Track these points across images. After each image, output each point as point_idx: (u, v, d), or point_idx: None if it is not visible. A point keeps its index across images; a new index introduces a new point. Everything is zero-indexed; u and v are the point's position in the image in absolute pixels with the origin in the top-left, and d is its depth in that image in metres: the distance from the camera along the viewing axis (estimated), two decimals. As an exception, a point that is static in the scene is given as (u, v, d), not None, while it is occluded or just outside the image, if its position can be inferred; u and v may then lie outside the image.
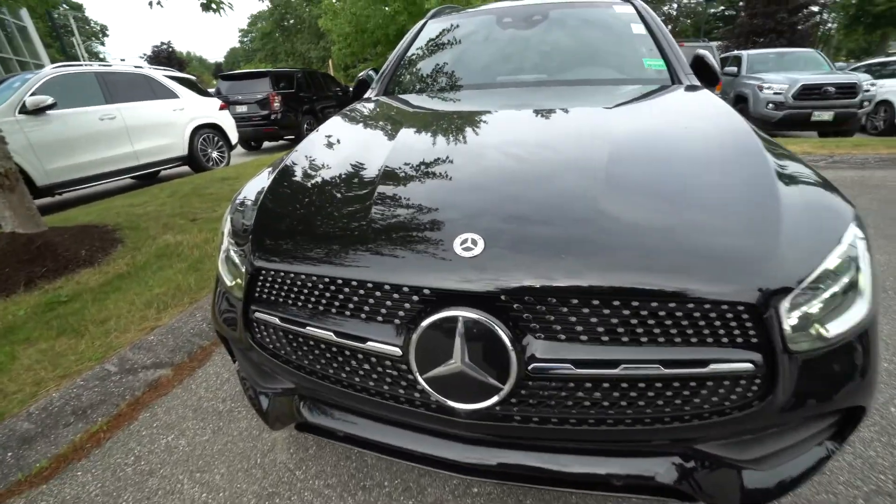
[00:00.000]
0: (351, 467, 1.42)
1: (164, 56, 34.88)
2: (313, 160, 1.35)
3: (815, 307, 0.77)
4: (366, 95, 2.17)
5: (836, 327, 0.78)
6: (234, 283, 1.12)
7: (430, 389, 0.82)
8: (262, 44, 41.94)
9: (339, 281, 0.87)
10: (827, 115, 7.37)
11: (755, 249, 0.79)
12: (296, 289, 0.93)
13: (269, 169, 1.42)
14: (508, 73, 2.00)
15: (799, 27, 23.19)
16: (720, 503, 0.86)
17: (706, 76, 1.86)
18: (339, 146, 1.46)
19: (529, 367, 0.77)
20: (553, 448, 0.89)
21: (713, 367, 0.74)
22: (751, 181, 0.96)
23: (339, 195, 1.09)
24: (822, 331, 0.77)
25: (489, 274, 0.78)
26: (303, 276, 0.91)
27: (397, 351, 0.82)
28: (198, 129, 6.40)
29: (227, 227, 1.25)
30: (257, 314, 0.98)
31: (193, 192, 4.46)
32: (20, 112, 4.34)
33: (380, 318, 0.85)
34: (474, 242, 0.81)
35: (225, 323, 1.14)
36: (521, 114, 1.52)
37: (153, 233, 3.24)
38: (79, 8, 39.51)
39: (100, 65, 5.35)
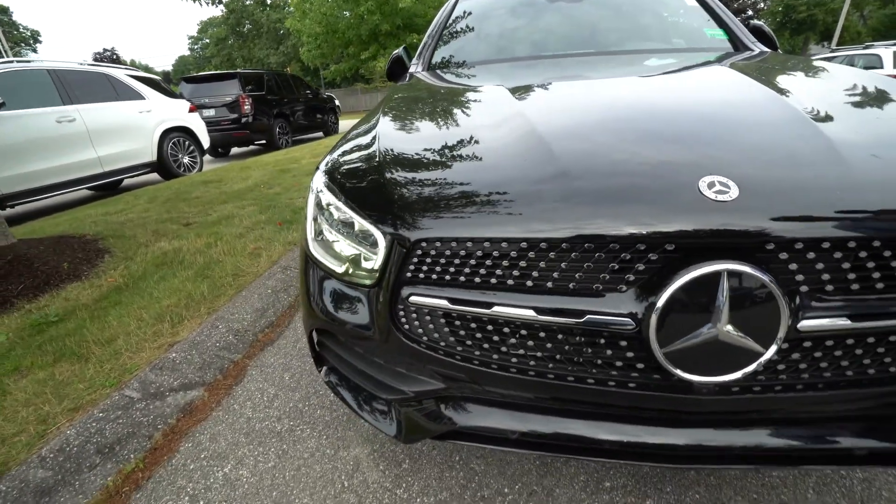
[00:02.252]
0: (459, 477, 1.23)
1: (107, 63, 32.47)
2: (420, 124, 1.16)
3: None
4: (411, 71, 1.98)
5: None
6: (344, 268, 0.91)
7: (669, 365, 0.66)
8: (216, 50, 39.93)
9: (543, 244, 0.69)
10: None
11: None
12: (474, 260, 0.73)
13: (346, 140, 1.21)
14: (574, 43, 1.88)
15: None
16: None
17: (766, 44, 1.82)
18: (436, 109, 1.26)
19: (799, 325, 0.64)
20: (777, 420, 0.76)
21: None
22: None
23: (490, 144, 0.91)
24: None
25: (755, 220, 0.64)
26: (486, 244, 0.71)
27: (629, 323, 0.66)
28: (167, 133, 5.88)
29: (312, 210, 1.03)
30: (414, 298, 0.78)
31: (177, 196, 4.04)
32: (-39, 115, 3.79)
33: (599, 286, 0.68)
34: (725, 185, 0.67)
35: (336, 318, 0.92)
36: (638, 73, 1.39)
37: (143, 240, 2.86)
38: (4, 11, 36.21)
39: (53, 62, 4.78)
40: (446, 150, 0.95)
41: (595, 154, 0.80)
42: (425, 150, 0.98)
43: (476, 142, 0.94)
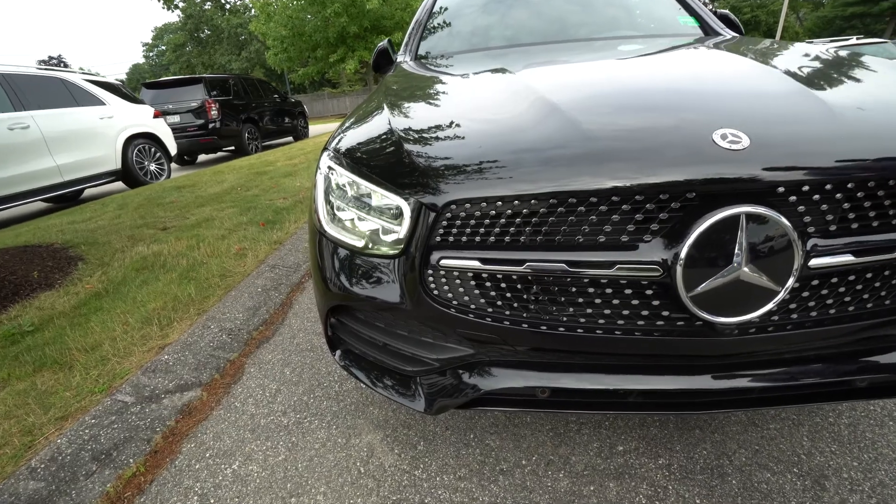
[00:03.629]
0: (476, 454, 1.24)
1: (53, 73, 30.63)
2: (426, 103, 1.17)
3: None
4: (398, 62, 1.99)
5: None
6: (363, 243, 0.91)
7: (695, 308, 0.70)
8: (174, 56, 38.39)
9: (572, 199, 0.71)
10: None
11: None
12: (504, 219, 0.75)
13: (350, 125, 1.20)
14: (554, 32, 1.93)
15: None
16: None
17: (734, 30, 1.93)
18: (438, 90, 1.29)
19: (810, 263, 0.69)
20: (788, 360, 0.82)
21: None
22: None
23: (504, 113, 0.93)
24: None
25: (764, 165, 0.68)
26: (515, 202, 0.73)
27: (656, 270, 0.69)
28: (131, 140, 5.61)
29: (322, 191, 1.03)
30: (444, 262, 0.79)
31: (149, 202, 3.86)
32: None
33: (624, 237, 0.71)
34: (737, 137, 0.71)
35: (357, 292, 0.92)
36: (634, 54, 1.45)
37: (119, 246, 2.72)
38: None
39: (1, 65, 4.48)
40: (460, 123, 0.96)
41: (614, 115, 0.84)
42: (440, 124, 0.99)
43: (489, 114, 0.97)
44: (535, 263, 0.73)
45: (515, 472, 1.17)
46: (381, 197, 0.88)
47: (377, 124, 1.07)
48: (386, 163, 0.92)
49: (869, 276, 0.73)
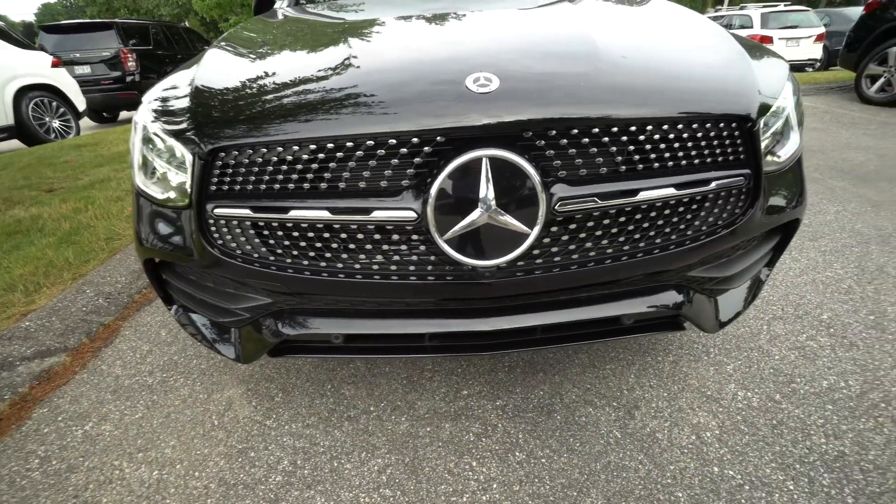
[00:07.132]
0: (328, 403, 1.30)
1: (-58, 11, 26.14)
2: (242, 53, 1.13)
3: (770, 134, 0.88)
4: (276, 6, 1.86)
5: (784, 153, 0.91)
6: (165, 195, 0.89)
7: (452, 251, 0.74)
8: (91, -4, 33.77)
9: (330, 145, 0.72)
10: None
11: (740, 77, 0.86)
12: (270, 167, 0.75)
13: (172, 73, 1.14)
14: None
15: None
16: (705, 324, 0.96)
17: None
18: (262, 39, 1.23)
19: (556, 206, 0.74)
20: (568, 302, 0.89)
21: (715, 183, 0.80)
22: (713, 35, 1.04)
23: (301, 62, 0.93)
24: (777, 155, 0.89)
25: (511, 109, 0.71)
26: (279, 149, 0.74)
27: (411, 215, 0.72)
28: (24, 91, 4.99)
29: (139, 136, 0.99)
30: (218, 211, 0.79)
31: (39, 162, 3.51)
32: None
33: (384, 183, 0.74)
34: (488, 79, 0.74)
35: (161, 245, 0.91)
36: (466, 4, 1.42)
37: (-9, 209, 2.50)
38: None
39: None
40: (255, 72, 0.96)
41: (385, 69, 0.85)
42: (236, 74, 0.98)
43: (286, 63, 0.96)
44: (300, 212, 0.75)
45: (361, 417, 1.25)
46: (174, 147, 0.86)
47: (187, 74, 1.03)
48: (177, 113, 0.90)
49: (623, 220, 0.79)
